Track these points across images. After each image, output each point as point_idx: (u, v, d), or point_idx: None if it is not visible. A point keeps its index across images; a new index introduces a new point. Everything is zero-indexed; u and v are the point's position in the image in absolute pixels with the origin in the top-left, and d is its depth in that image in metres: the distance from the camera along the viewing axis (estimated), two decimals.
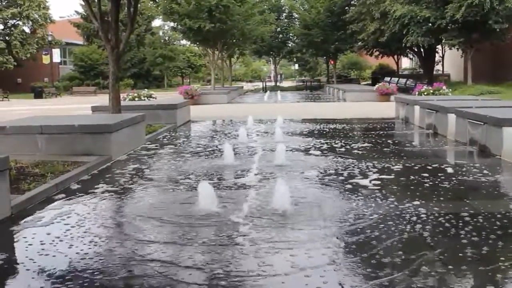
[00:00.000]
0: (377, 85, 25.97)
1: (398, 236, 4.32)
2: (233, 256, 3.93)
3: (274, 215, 4.94)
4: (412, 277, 3.45)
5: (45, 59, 44.44)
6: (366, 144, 10.00)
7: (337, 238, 4.27)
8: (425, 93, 18.37)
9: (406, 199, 5.49)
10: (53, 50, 44.56)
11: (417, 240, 4.26)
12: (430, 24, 27.59)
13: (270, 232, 4.44)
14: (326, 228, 4.55)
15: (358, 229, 4.49)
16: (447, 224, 4.62)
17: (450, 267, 3.65)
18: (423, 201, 5.41)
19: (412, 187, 6.19)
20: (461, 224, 4.60)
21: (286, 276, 3.56)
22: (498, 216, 4.84)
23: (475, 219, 4.73)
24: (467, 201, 5.52)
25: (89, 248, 4.18)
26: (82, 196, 6.02)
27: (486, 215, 4.87)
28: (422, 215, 4.88)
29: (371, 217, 4.85)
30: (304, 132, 12.27)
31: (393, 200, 5.46)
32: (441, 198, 5.60)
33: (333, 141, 10.45)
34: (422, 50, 33.00)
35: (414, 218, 4.79)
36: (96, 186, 6.50)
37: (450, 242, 4.19)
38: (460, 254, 3.88)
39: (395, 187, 6.26)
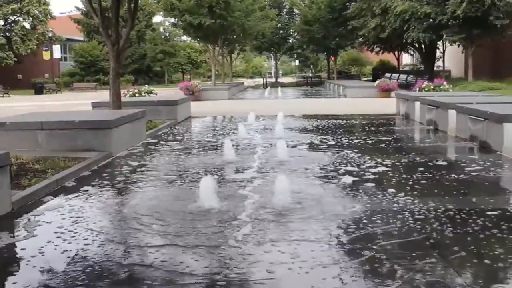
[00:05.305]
0: (377, 81, 25.95)
1: (396, 229, 4.36)
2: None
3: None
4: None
5: (46, 55, 44.46)
6: (366, 140, 9.99)
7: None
8: (426, 89, 18.39)
9: (406, 195, 5.49)
10: (53, 46, 44.57)
11: (416, 236, 4.28)
12: (431, 20, 27.54)
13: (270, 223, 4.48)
14: (328, 218, 4.60)
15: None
16: (447, 220, 4.62)
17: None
18: (422, 197, 5.41)
19: (412, 183, 6.18)
20: (461, 219, 4.61)
21: None
22: (498, 212, 4.85)
23: (475, 215, 4.74)
24: (468, 197, 5.52)
25: (88, 244, 4.20)
26: (82, 191, 6.03)
27: (486, 211, 4.88)
28: (422, 211, 4.89)
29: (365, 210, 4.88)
30: (304, 128, 12.26)
31: (391, 195, 5.47)
32: (441, 194, 5.60)
33: (333, 137, 10.45)
34: (423, 46, 32.98)
35: (415, 214, 4.80)
36: (96, 182, 6.51)
37: (450, 238, 4.21)
38: (461, 248, 3.91)
39: (394, 182, 6.28)
